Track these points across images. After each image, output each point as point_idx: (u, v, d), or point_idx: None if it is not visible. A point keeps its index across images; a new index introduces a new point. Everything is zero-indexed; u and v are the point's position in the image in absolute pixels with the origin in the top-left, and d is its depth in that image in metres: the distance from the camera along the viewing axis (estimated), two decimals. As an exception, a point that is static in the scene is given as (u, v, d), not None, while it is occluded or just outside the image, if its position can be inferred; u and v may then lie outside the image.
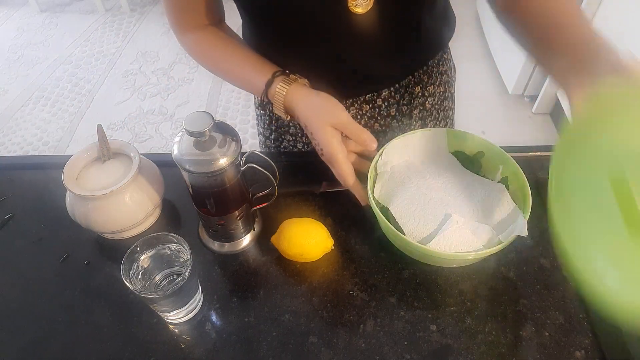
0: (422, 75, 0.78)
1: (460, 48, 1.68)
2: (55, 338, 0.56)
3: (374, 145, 0.58)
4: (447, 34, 0.78)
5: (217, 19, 0.71)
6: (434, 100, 0.82)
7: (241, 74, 0.68)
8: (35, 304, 0.60)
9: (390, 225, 0.55)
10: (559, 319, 0.56)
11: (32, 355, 0.55)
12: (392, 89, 0.77)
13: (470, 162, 0.66)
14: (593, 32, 0.50)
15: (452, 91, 0.88)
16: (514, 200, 0.60)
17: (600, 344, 0.53)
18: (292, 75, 0.64)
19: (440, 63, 0.81)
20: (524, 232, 0.53)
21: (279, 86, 0.62)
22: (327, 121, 0.59)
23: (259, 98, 0.73)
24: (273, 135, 0.86)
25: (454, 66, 0.88)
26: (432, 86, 0.81)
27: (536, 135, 2.03)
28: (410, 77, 0.77)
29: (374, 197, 0.60)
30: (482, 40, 2.50)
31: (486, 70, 2.37)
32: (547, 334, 0.54)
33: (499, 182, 0.63)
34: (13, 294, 0.61)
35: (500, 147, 0.63)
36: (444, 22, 0.76)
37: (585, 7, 1.66)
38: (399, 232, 0.54)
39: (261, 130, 0.89)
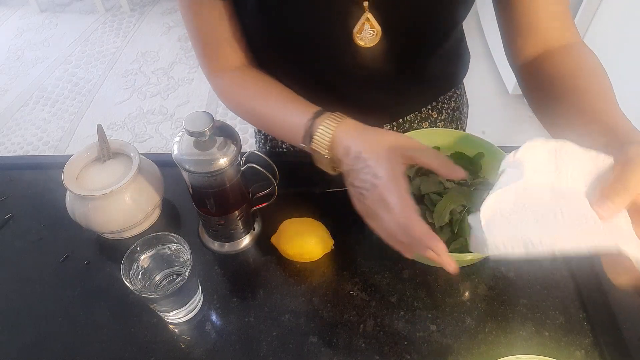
0: (430, 111, 0.77)
1: (460, 48, 1.67)
2: (55, 338, 0.56)
3: (464, 175, 0.47)
4: (460, 72, 0.76)
5: (251, 57, 0.66)
6: None
7: (279, 114, 0.58)
8: (35, 304, 0.60)
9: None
10: (559, 319, 0.56)
11: (32, 355, 0.55)
12: (394, 123, 0.76)
13: (471, 163, 0.65)
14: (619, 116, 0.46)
15: (464, 127, 0.86)
16: None
17: (600, 344, 0.53)
18: (338, 113, 0.54)
19: (452, 99, 0.79)
20: None
21: (325, 122, 0.52)
22: (390, 145, 0.47)
23: (300, 144, 0.57)
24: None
25: (467, 102, 0.86)
26: (443, 122, 0.79)
27: (536, 135, 2.02)
28: (417, 112, 0.76)
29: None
30: (482, 40, 2.50)
31: (486, 70, 2.37)
32: (547, 334, 0.54)
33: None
34: (13, 294, 0.61)
35: (500, 147, 0.62)
36: (456, 61, 0.74)
37: (585, 7, 1.66)
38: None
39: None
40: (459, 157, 0.65)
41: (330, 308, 0.57)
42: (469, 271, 0.60)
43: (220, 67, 0.65)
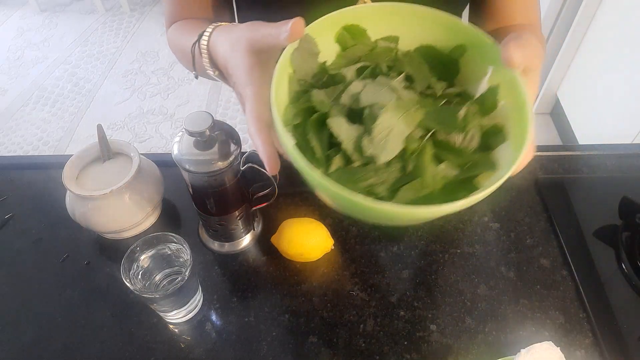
0: None
1: (460, 48, 1.66)
2: (55, 338, 0.56)
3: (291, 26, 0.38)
4: None
5: (208, 13, 0.65)
6: None
7: (190, 39, 0.52)
8: (35, 304, 0.60)
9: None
10: (559, 319, 0.56)
11: (32, 355, 0.55)
12: None
13: (443, 62, 0.44)
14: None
15: None
16: (507, 124, 0.41)
17: (600, 344, 0.53)
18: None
19: None
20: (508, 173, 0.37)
21: (207, 29, 0.47)
22: (245, 42, 0.41)
23: (192, 68, 0.53)
24: None
25: None
26: None
27: (536, 135, 2.02)
28: None
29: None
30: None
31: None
32: (547, 333, 0.54)
33: (484, 93, 0.42)
34: (13, 294, 0.61)
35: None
36: None
37: (585, 7, 1.66)
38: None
39: None
40: (426, 54, 0.44)
41: (330, 308, 0.57)
42: (468, 271, 0.60)
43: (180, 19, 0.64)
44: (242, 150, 0.55)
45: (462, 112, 0.39)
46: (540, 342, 0.47)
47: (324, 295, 0.59)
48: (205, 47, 0.48)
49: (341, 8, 0.43)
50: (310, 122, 0.40)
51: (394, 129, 0.38)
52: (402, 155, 0.39)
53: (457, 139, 0.40)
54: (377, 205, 0.33)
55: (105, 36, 2.86)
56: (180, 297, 0.53)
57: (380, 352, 0.53)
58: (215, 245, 0.64)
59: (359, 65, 0.43)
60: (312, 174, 0.34)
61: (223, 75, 0.48)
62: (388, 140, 0.37)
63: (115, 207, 0.61)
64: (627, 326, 0.54)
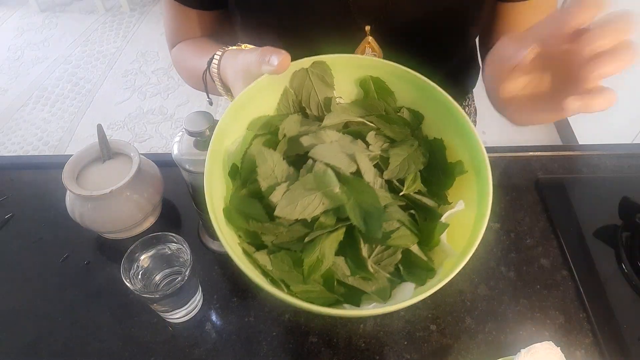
0: None
1: (460, 48, 1.66)
2: (55, 338, 0.56)
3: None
4: (467, 85, 0.75)
5: (209, 33, 0.67)
6: None
7: (200, 62, 0.55)
8: (36, 304, 0.60)
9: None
10: (559, 319, 0.56)
11: (32, 355, 0.55)
12: None
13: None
14: None
15: None
16: (463, 197, 0.41)
17: (600, 344, 0.53)
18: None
19: None
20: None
21: (215, 56, 0.50)
22: (242, 74, 0.45)
23: (206, 95, 0.58)
24: None
25: (476, 110, 0.84)
26: None
27: (536, 135, 2.03)
28: None
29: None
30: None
31: (486, 70, 2.37)
32: (547, 333, 0.54)
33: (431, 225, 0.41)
34: (13, 294, 0.61)
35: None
36: (463, 76, 0.73)
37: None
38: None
39: None
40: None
41: (330, 308, 0.57)
42: (469, 271, 0.60)
43: (181, 40, 0.67)
44: (242, 150, 0.55)
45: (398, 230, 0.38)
46: (540, 342, 0.47)
47: (324, 295, 0.59)
48: (217, 74, 0.50)
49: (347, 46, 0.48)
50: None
51: (307, 197, 0.38)
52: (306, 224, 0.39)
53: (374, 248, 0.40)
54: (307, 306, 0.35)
55: (105, 36, 2.86)
56: (180, 297, 0.53)
57: (380, 352, 0.53)
58: (215, 245, 0.64)
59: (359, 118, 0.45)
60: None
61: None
62: (297, 203, 0.38)
63: (115, 207, 0.61)
64: (627, 326, 0.54)
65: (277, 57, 0.39)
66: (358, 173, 0.40)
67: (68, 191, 0.61)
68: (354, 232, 0.39)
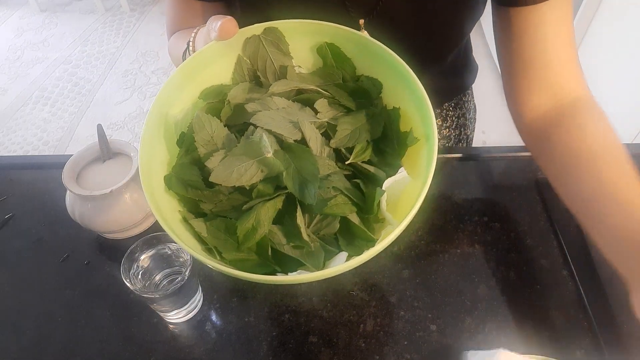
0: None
1: (460, 48, 1.67)
2: (55, 338, 0.56)
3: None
4: (466, 82, 0.75)
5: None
6: (449, 143, 0.79)
7: (179, 45, 0.55)
8: (35, 304, 0.60)
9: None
10: (559, 319, 0.56)
11: (32, 355, 0.55)
12: None
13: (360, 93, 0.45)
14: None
15: (469, 133, 0.84)
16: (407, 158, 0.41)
17: (600, 343, 0.53)
18: None
19: (458, 107, 0.78)
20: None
21: (192, 34, 0.50)
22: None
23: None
24: None
25: (475, 106, 0.84)
26: (447, 129, 0.78)
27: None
28: None
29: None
30: (482, 40, 2.50)
31: (486, 70, 2.37)
32: (547, 333, 0.54)
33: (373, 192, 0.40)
34: (13, 294, 0.61)
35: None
36: (461, 73, 0.73)
37: (584, 8, 1.66)
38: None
39: None
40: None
41: (330, 308, 0.57)
42: (469, 271, 0.60)
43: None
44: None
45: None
46: (502, 348, 0.46)
47: (323, 295, 0.59)
48: (193, 51, 0.48)
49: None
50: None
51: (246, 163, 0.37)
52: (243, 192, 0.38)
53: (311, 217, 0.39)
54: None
55: (105, 36, 2.86)
56: (180, 297, 0.53)
57: (380, 352, 0.53)
58: (215, 245, 0.64)
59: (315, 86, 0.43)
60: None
61: None
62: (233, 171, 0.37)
63: (115, 207, 0.61)
64: (627, 326, 0.54)
65: (219, 22, 0.38)
66: (305, 142, 0.39)
67: (68, 191, 0.61)
68: (296, 201, 0.38)
